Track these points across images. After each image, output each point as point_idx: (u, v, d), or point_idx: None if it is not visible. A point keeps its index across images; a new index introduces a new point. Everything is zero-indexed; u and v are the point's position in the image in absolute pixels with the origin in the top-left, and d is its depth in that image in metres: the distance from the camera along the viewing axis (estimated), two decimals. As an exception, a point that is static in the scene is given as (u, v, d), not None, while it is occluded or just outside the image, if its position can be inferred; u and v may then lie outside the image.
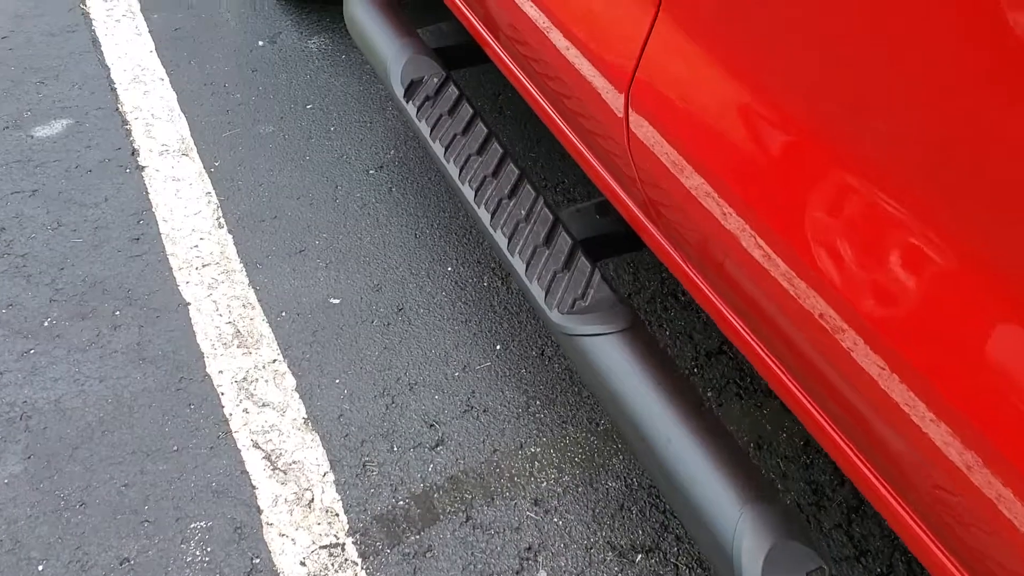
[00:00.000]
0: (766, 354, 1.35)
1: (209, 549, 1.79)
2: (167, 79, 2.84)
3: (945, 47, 0.97)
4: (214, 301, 2.23)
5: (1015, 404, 0.94)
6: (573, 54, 1.50)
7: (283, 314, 2.22)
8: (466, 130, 1.97)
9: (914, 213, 1.03)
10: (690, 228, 1.41)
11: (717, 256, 1.35)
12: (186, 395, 2.04)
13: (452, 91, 2.06)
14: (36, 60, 2.87)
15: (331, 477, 1.91)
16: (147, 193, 2.48)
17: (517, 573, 1.78)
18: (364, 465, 1.94)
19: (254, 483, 1.90)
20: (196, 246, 2.35)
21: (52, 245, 2.34)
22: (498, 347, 2.17)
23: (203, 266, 2.30)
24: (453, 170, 1.89)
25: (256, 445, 1.96)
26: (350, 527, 1.84)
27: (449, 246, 2.39)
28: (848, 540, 1.83)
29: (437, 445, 1.97)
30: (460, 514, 1.86)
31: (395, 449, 1.96)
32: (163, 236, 2.37)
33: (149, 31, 3.01)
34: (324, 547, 1.80)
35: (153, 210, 2.44)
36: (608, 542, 1.83)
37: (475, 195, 1.84)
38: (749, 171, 1.22)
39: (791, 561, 1.28)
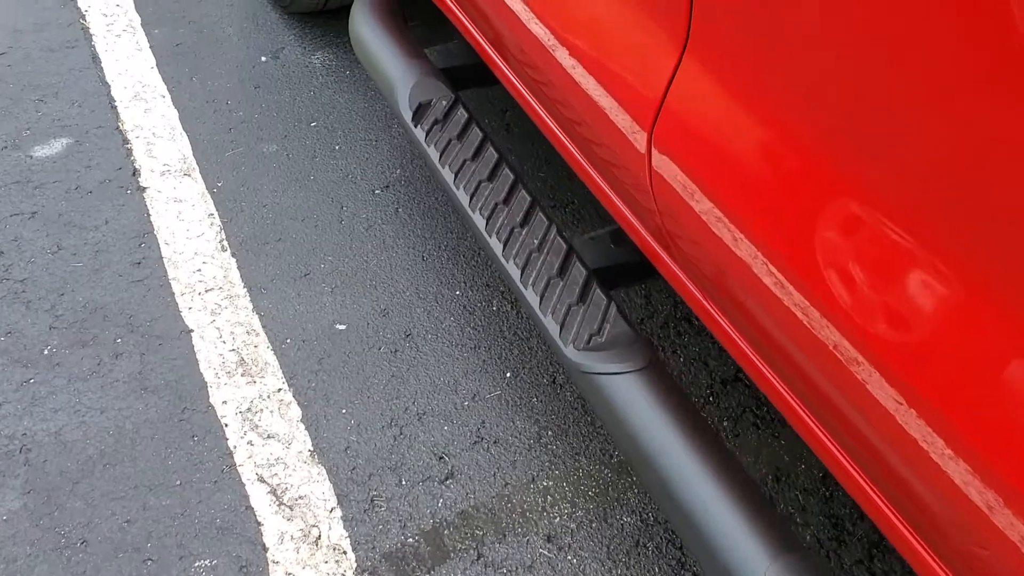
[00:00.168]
0: (783, 387, 1.31)
1: (214, 589, 1.74)
2: (168, 96, 2.79)
3: (985, 100, 0.92)
4: (217, 328, 2.18)
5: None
6: (593, 86, 1.45)
7: (288, 341, 2.17)
8: (476, 155, 1.92)
9: (932, 248, 1.00)
10: (709, 263, 1.37)
11: (736, 292, 1.31)
12: (189, 426, 1.99)
13: (462, 114, 2.01)
14: (35, 77, 2.82)
15: (338, 512, 1.86)
16: (148, 215, 2.43)
17: (530, 613, 1.73)
18: (372, 500, 1.89)
19: (259, 519, 1.85)
20: (199, 270, 2.30)
21: (52, 270, 2.29)
22: (508, 375, 2.12)
23: (206, 291, 2.25)
24: (464, 197, 1.84)
25: (261, 479, 1.91)
26: (358, 566, 1.79)
27: (457, 268, 2.34)
28: (870, 577, 1.79)
29: (447, 479, 1.92)
30: (471, 551, 1.81)
31: (404, 483, 1.91)
32: (165, 260, 2.32)
33: (150, 46, 2.96)
34: (332, 586, 1.76)
35: (155, 233, 2.39)
36: (624, 580, 1.78)
37: (487, 224, 1.79)
38: (776, 211, 1.18)
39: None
